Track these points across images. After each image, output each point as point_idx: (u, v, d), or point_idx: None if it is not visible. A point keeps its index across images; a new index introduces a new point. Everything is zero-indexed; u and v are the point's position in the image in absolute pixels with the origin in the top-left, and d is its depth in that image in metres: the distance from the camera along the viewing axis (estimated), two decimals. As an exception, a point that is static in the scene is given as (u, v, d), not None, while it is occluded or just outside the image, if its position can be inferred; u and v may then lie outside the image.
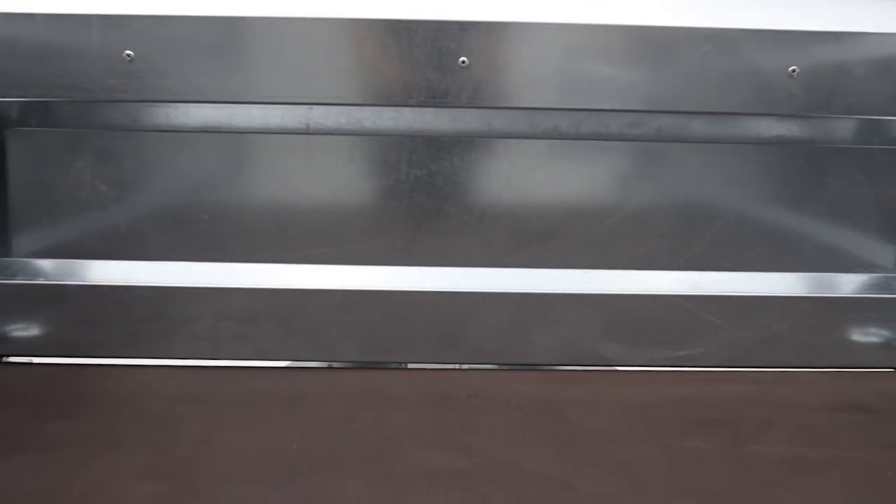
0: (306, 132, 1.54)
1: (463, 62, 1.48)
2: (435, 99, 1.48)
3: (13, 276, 1.57)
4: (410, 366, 1.59)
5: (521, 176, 1.58)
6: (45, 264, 1.58)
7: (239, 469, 1.16)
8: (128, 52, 1.47)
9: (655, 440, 1.26)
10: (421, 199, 1.57)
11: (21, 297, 1.56)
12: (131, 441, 1.25)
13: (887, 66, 1.52)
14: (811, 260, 1.62)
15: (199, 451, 1.21)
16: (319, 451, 1.21)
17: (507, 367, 1.58)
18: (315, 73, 1.50)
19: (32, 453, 1.19)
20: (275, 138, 1.54)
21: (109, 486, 1.11)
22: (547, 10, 1.49)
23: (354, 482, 1.12)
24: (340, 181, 1.58)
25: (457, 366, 1.59)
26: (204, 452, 1.21)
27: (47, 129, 1.55)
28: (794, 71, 1.52)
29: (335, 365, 1.61)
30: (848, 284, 1.64)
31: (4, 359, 1.58)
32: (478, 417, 1.35)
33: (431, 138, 1.54)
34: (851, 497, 1.10)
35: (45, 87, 1.49)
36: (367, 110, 1.52)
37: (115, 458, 1.19)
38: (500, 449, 1.24)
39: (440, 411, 1.37)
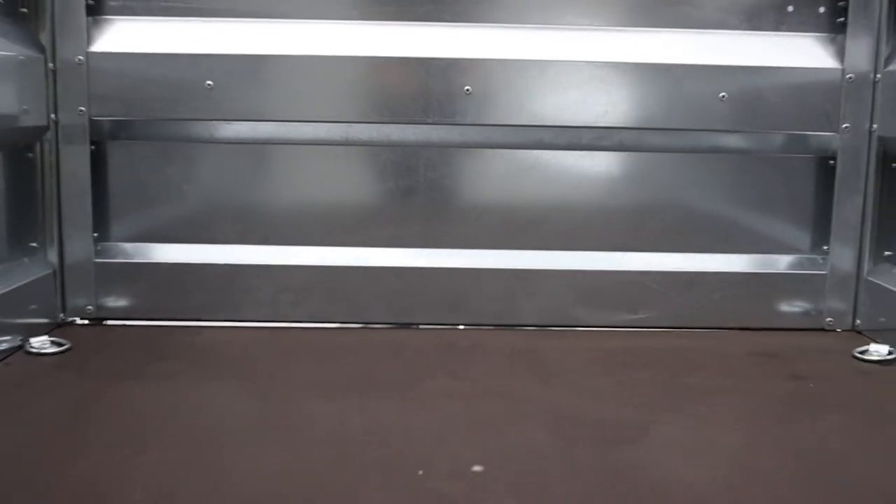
0: (346, 143, 1.99)
1: (467, 90, 1.91)
2: (446, 118, 1.93)
3: (114, 257, 2.00)
4: (424, 326, 2.02)
5: (512, 177, 2.02)
6: (139, 247, 2.02)
7: (302, 391, 1.58)
8: (209, 81, 1.91)
9: (611, 374, 1.69)
10: (434, 196, 2.01)
11: (119, 273, 2.00)
12: (219, 375, 1.67)
13: (795, 92, 1.96)
14: (740, 244, 2.06)
15: (271, 381, 1.64)
16: (360, 381, 1.64)
17: (500, 327, 2.01)
18: (353, 98, 1.95)
19: (148, 382, 1.61)
20: (321, 148, 1.99)
21: (211, 404, 1.52)
22: (530, 50, 1.93)
23: (388, 400, 1.54)
24: (371, 182, 2.02)
25: (461, 326, 2.02)
26: (275, 381, 1.63)
27: (143, 142, 1.98)
28: (723, 97, 1.96)
29: (368, 325, 2.03)
30: (771, 263, 2.07)
31: (105, 322, 2.01)
32: (478, 360, 1.78)
33: (443, 148, 1.98)
34: (748, 408, 1.52)
35: (144, 109, 1.93)
36: (393, 126, 1.97)
37: (211, 386, 1.61)
38: (495, 380, 1.66)
39: (449, 356, 1.80)
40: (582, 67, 1.93)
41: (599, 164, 2.03)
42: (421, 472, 1.23)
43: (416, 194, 1.99)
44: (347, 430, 1.39)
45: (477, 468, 1.25)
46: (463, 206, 2.03)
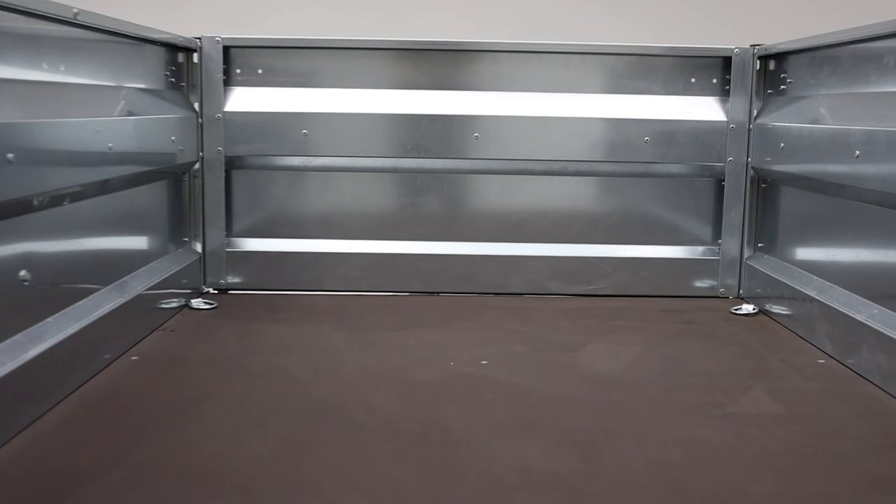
0: (394, 171, 2.93)
1: (476, 136, 2.87)
2: (461, 155, 2.88)
3: (237, 247, 2.94)
4: (447, 293, 2.96)
5: (506, 193, 2.95)
6: (254, 241, 2.96)
7: (373, 328, 2.52)
8: (304, 130, 2.87)
9: (568, 320, 2.63)
10: (453, 206, 2.95)
11: (241, 258, 2.94)
12: (318, 320, 2.60)
13: (697, 136, 2.90)
14: (661, 238, 2.99)
15: (352, 323, 2.57)
16: (408, 323, 2.57)
17: (498, 294, 2.95)
18: (399, 141, 2.89)
19: (274, 323, 2.55)
20: (377, 174, 2.92)
21: (318, 334, 2.46)
22: (518, 109, 2.88)
23: (428, 331, 2.47)
24: (410, 196, 2.96)
25: (472, 293, 2.96)
26: (355, 323, 2.57)
27: (258, 170, 2.93)
28: (647, 139, 2.91)
29: (410, 293, 2.98)
30: (682, 252, 3.00)
31: (230, 291, 2.96)
32: (484, 312, 2.71)
33: (459, 174, 2.93)
34: (648, 337, 2.45)
35: (260, 148, 2.88)
36: (426, 160, 2.90)
37: (315, 326, 2.55)
38: (494, 322, 2.60)
39: (465, 310, 2.74)
40: (554, 121, 2.87)
41: (566, 185, 2.97)
42: (452, 363, 2.18)
43: (441, 205, 2.94)
44: (404, 345, 2.34)
45: (484, 362, 2.20)
46: (472, 213, 2.97)
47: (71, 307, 1.98)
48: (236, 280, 2.93)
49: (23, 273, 1.72)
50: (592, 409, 1.86)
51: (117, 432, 1.69)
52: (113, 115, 2.22)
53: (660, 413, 1.85)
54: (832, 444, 1.68)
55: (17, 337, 1.73)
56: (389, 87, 2.89)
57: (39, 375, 1.75)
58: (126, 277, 2.35)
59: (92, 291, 2.11)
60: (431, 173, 2.93)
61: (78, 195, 2.01)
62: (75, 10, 1.96)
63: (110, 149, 2.12)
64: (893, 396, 1.93)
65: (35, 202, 1.80)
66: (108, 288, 2.21)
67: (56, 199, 1.88)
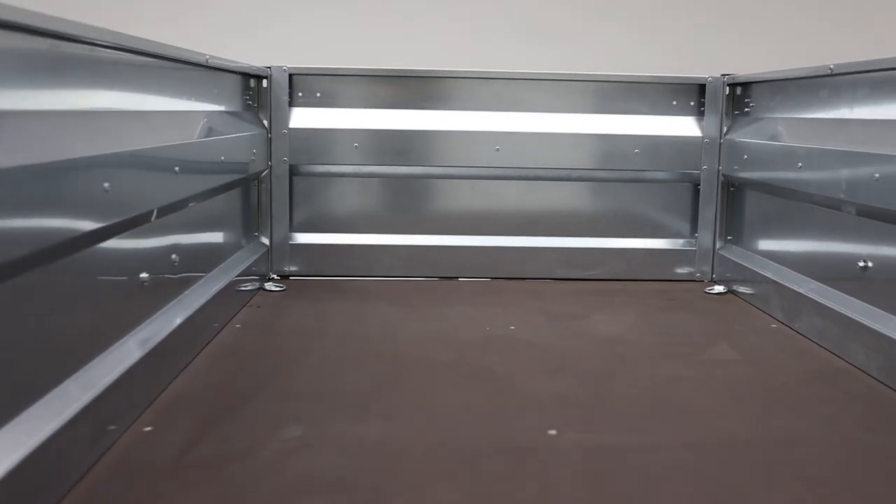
0: (427, 177, 3.54)
1: (497, 148, 3.49)
2: (485, 164, 3.48)
3: (299, 241, 3.55)
4: (471, 278, 3.58)
5: (522, 195, 3.57)
6: (313, 235, 3.56)
7: (419, 303, 3.12)
8: (356, 143, 3.47)
9: (574, 298, 3.24)
10: (475, 206, 3.56)
11: (302, 250, 3.54)
12: (372, 300, 3.20)
13: (678, 149, 3.52)
14: (650, 232, 3.61)
15: (400, 300, 3.17)
16: (444, 302, 3.18)
17: (515, 279, 3.57)
18: (433, 153, 3.49)
19: (336, 302, 3.16)
20: (414, 180, 3.53)
21: (374, 309, 3.06)
22: (532, 126, 3.50)
23: (463, 306, 3.09)
24: (442, 198, 3.57)
25: (493, 279, 3.58)
26: (402, 301, 3.17)
27: (314, 176, 3.54)
28: (637, 151, 3.53)
29: (440, 278, 3.59)
30: (667, 243, 3.62)
31: (291, 278, 3.56)
32: (505, 293, 3.33)
33: (483, 179, 3.53)
34: (639, 310, 3.07)
35: (319, 159, 3.48)
36: (457, 169, 3.50)
37: (372, 302, 3.14)
38: (512, 299, 3.21)
39: (488, 291, 3.36)
40: (560, 136, 3.48)
41: (570, 189, 3.59)
42: (487, 328, 2.79)
43: (467, 205, 3.56)
44: (446, 316, 2.95)
45: (512, 327, 2.81)
46: (493, 211, 3.58)
47: (189, 290, 2.54)
48: (296, 268, 3.53)
49: (143, 275, 2.22)
50: (600, 358, 2.49)
51: (251, 373, 2.30)
52: (221, 135, 2.82)
53: (651, 360, 2.47)
54: (774, 377, 2.31)
55: (168, 307, 2.32)
56: (425, 109, 3.48)
57: (184, 335, 2.34)
58: (221, 265, 2.94)
59: (200, 278, 2.69)
60: (459, 179, 3.54)
61: (187, 201, 2.56)
62: (207, 56, 2.56)
63: (222, 161, 2.73)
64: (824, 347, 2.56)
65: (187, 203, 2.40)
66: (211, 274, 2.80)
67: (174, 206, 2.42)
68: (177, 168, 2.26)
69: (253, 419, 1.94)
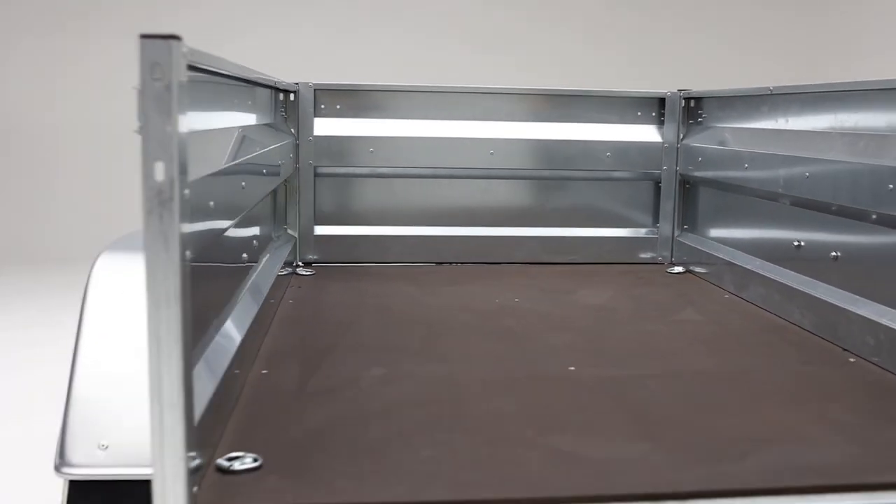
0: (433, 177, 4.13)
1: (491, 152, 4.10)
2: (481, 165, 4.10)
3: (321, 232, 4.12)
4: (471, 263, 4.19)
5: (512, 192, 4.19)
6: (333, 227, 4.13)
7: (435, 284, 3.72)
8: (371, 148, 4.06)
9: (561, 278, 3.87)
10: (473, 201, 4.18)
11: (324, 240, 4.11)
12: (393, 280, 3.80)
13: (642, 152, 4.18)
14: (618, 223, 4.27)
15: (418, 280, 3.77)
16: (453, 282, 3.78)
17: (508, 263, 4.19)
18: (437, 156, 4.10)
19: (365, 283, 3.74)
20: (421, 179, 4.14)
21: (401, 289, 3.65)
22: (522, 133, 4.12)
23: (471, 286, 3.69)
24: (444, 194, 4.18)
25: (489, 263, 4.19)
26: (420, 281, 3.77)
27: (335, 177, 4.12)
28: (608, 154, 4.19)
29: (445, 263, 4.19)
30: (632, 232, 4.29)
31: (314, 264, 4.13)
32: (502, 274, 3.94)
33: (480, 178, 4.14)
34: (613, 285, 3.71)
35: (340, 162, 4.07)
36: (458, 170, 4.11)
37: (394, 283, 3.73)
38: (511, 279, 3.82)
39: (487, 274, 3.97)
40: (544, 141, 4.12)
41: (552, 186, 4.21)
42: (497, 300, 3.41)
43: (466, 201, 4.17)
44: (459, 293, 3.55)
45: (517, 299, 3.43)
46: (488, 206, 4.19)
47: (255, 275, 3.13)
48: (319, 256, 4.10)
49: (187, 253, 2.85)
50: (591, 320, 3.12)
51: (321, 334, 2.88)
52: (271, 145, 3.39)
53: (632, 320, 3.12)
54: (730, 330, 2.97)
55: (247, 287, 2.89)
56: (430, 119, 4.09)
57: (264, 308, 2.91)
58: (268, 254, 3.51)
59: (259, 265, 3.24)
60: (460, 178, 4.15)
61: (255, 201, 3.14)
62: (275, 80, 3.13)
63: (279, 165, 3.31)
64: (767, 310, 3.23)
65: (254, 203, 2.97)
66: (264, 261, 3.37)
67: (249, 206, 3.01)
68: (244, 180, 2.84)
69: (342, 364, 2.53)
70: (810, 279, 3.01)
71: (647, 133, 4.19)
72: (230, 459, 1.79)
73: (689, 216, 4.16)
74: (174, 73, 1.44)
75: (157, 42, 1.42)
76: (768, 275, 3.25)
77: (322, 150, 4.02)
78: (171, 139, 1.44)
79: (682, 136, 4.15)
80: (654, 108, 4.18)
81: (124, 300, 2.40)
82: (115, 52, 8.89)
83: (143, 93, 1.43)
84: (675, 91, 4.15)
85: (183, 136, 1.49)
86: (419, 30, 8.98)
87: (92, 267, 2.47)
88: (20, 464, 4.07)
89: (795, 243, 3.12)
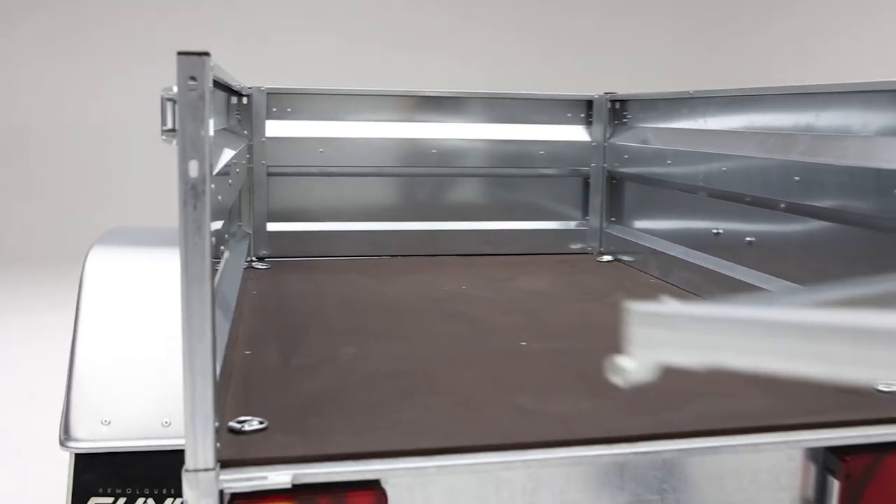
0: (379, 175, 4.42)
1: (434, 151, 4.39)
2: (424, 164, 4.39)
3: (274, 228, 4.35)
4: (416, 255, 4.47)
5: (454, 188, 4.48)
6: (284, 223, 4.37)
7: (386, 275, 3.99)
8: (321, 149, 4.31)
9: (501, 266, 4.17)
10: (417, 197, 4.46)
11: (275, 235, 4.35)
12: (347, 272, 4.06)
13: (573, 150, 4.52)
14: (552, 216, 4.61)
15: (370, 272, 4.03)
16: (403, 273, 4.05)
17: (450, 255, 4.48)
18: (384, 156, 4.38)
19: (321, 275, 3.99)
20: (368, 178, 4.41)
21: (356, 279, 3.92)
22: (461, 134, 4.42)
23: (419, 276, 3.97)
24: (393, 191, 4.45)
25: (432, 255, 4.48)
26: (372, 272, 4.03)
27: (287, 176, 4.35)
28: (541, 153, 4.51)
29: (391, 256, 4.46)
30: (564, 225, 4.63)
31: (267, 259, 4.35)
32: (446, 265, 4.23)
33: (422, 177, 4.45)
34: (548, 272, 4.04)
35: (289, 161, 4.30)
36: (401, 168, 4.40)
37: (347, 274, 3.99)
38: (455, 269, 4.11)
39: (432, 265, 4.25)
40: (484, 141, 4.43)
41: (491, 183, 4.52)
42: (445, 288, 3.70)
43: (410, 197, 4.45)
44: (409, 281, 3.82)
45: (464, 287, 3.72)
46: (431, 201, 4.48)
47: (223, 266, 3.37)
48: (271, 251, 4.34)
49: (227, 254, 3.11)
50: (536, 303, 3.43)
51: (292, 320, 3.13)
52: (236, 147, 3.61)
53: (570, 302, 3.44)
54: (660, 310, 3.32)
55: (220, 278, 3.12)
56: (377, 121, 4.36)
57: (238, 296, 3.15)
58: (231, 249, 3.74)
59: (223, 259, 3.48)
60: (404, 176, 4.43)
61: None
62: (244, 85, 3.36)
63: (243, 164, 3.53)
64: (690, 291, 3.59)
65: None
66: (227, 255, 3.59)
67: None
68: (231, 178, 3.07)
69: (317, 345, 2.79)
70: (728, 262, 3.38)
71: (576, 133, 4.53)
72: (240, 422, 2.04)
73: (616, 209, 4.52)
74: (206, 85, 1.69)
75: (192, 58, 1.67)
76: (691, 260, 3.62)
77: (274, 150, 4.25)
78: (204, 141, 1.70)
79: (608, 135, 4.50)
80: (583, 109, 4.52)
81: (117, 287, 2.62)
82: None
83: (179, 101, 1.68)
84: (602, 94, 4.50)
85: (211, 139, 1.75)
86: (347, 34, 9.29)
87: (85, 258, 2.69)
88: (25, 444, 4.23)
89: (714, 231, 3.49)
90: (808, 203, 2.85)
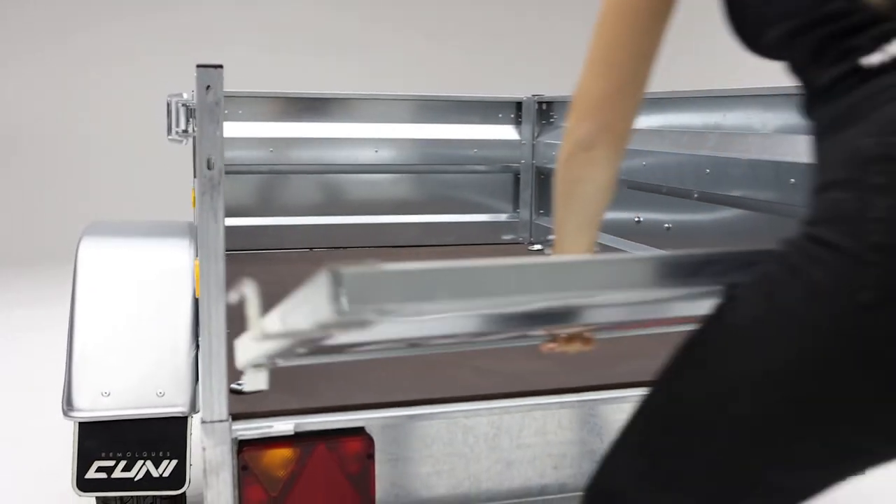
0: (326, 172, 4.73)
1: (376, 150, 4.72)
2: (364, 161, 4.72)
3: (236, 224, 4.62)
4: (358, 247, 4.78)
5: (393, 184, 4.81)
6: (235, 219, 4.64)
7: (338, 262, 4.30)
8: (271, 149, 4.59)
9: (442, 255, 4.55)
10: (357, 193, 4.78)
11: (229, 230, 4.61)
12: (296, 261, 4.35)
13: (504, 148, 4.89)
14: (484, 209, 4.97)
15: (317, 261, 4.34)
16: (350, 260, 4.38)
17: (392, 246, 4.80)
18: (329, 155, 4.69)
19: (278, 265, 4.27)
20: (314, 175, 4.71)
21: (304, 269, 4.21)
22: (401, 134, 4.76)
23: (399, 257, 4.30)
24: (334, 188, 4.77)
25: (375, 247, 4.80)
26: (318, 261, 4.34)
27: (239, 173, 4.62)
28: (475, 150, 4.88)
29: (338, 247, 4.76)
30: (495, 217, 4.99)
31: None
32: (388, 254, 4.57)
33: (361, 173, 4.77)
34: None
35: (241, 159, 4.58)
36: (345, 165, 4.71)
37: (298, 263, 4.29)
38: (395, 256, 4.45)
39: (377, 255, 4.58)
40: (419, 140, 4.77)
41: (427, 180, 4.87)
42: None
43: (352, 192, 4.78)
44: (361, 271, 4.17)
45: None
46: (371, 196, 4.78)
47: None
48: (225, 245, 4.60)
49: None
50: (478, 286, 3.79)
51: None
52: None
53: (510, 286, 3.81)
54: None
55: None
56: (323, 121, 4.67)
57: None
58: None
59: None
60: (349, 173, 4.75)
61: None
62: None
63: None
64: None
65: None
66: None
67: None
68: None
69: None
70: (649, 247, 3.80)
71: (507, 132, 4.90)
72: (239, 384, 2.34)
73: (544, 202, 4.91)
74: (220, 92, 2.00)
75: (210, 70, 1.98)
76: (615, 246, 4.02)
77: (227, 149, 4.51)
78: (219, 140, 2.00)
79: (536, 134, 4.89)
80: (513, 110, 4.90)
81: (109, 272, 2.90)
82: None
83: (198, 106, 1.99)
84: (530, 96, 4.89)
85: (224, 139, 2.05)
86: (273, 38, 9.53)
87: (78, 244, 2.95)
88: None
89: (636, 219, 3.90)
90: (717, 192, 3.27)
